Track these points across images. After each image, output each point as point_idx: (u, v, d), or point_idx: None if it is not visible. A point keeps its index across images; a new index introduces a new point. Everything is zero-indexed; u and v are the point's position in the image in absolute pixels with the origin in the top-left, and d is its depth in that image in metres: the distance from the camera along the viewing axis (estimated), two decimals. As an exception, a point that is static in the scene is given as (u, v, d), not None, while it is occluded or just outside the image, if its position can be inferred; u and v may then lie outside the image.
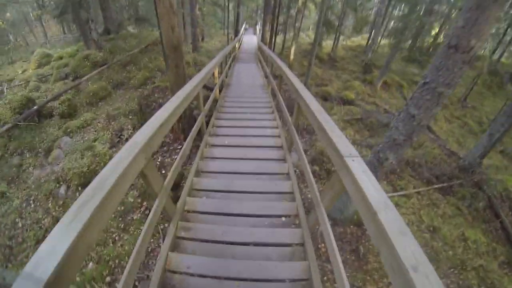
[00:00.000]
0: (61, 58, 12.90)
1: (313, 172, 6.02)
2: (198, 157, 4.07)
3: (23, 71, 14.38)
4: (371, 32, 20.22)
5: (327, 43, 21.90)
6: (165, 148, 5.70)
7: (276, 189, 3.60)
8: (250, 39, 22.46)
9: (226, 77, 9.03)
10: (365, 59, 15.02)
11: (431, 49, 20.96)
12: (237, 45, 14.79)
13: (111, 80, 9.41)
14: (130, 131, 6.74)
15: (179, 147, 5.63)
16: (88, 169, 5.25)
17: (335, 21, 17.04)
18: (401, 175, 7.28)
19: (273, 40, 17.86)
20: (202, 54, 17.26)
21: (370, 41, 15.06)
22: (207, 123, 5.29)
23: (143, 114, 6.68)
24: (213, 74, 6.76)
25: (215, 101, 6.63)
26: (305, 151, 7.07)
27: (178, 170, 2.96)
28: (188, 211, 3.25)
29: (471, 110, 14.44)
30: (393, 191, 6.64)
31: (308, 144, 7.51)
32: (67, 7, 12.09)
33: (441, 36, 19.43)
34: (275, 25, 17.44)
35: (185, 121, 5.40)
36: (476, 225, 6.23)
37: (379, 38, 15.21)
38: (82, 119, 7.67)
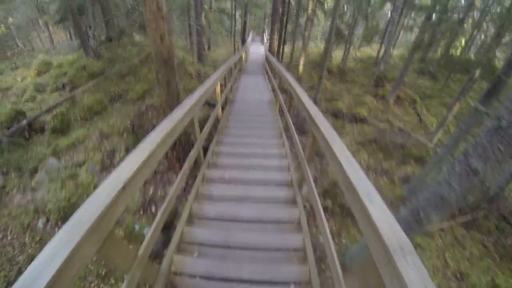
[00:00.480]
0: (60, 66, 12.41)
1: (325, 208, 5.33)
2: (192, 197, 3.43)
3: (22, 79, 13.93)
4: (382, 42, 19.59)
5: (336, 54, 21.28)
6: (158, 177, 5.06)
7: (284, 244, 2.94)
8: (257, 49, 21.93)
9: (231, 91, 8.45)
10: (377, 72, 14.33)
11: (442, 61, 20.26)
12: (243, 55, 14.23)
13: (108, 92, 8.85)
14: (122, 153, 6.12)
15: (174, 176, 4.99)
16: (68, 203, 4.60)
17: (345, 31, 16.43)
18: (421, 207, 6.55)
19: (281, 49, 17.29)
20: (208, 64, 16.72)
21: (383, 52, 14.34)
22: (206, 149, 4.68)
23: (135, 136, 6.06)
24: (215, 90, 6.12)
25: (217, 120, 6.04)
26: (315, 180, 6.39)
27: (166, 216, 2.40)
28: (175, 273, 2.61)
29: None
30: (414, 227, 5.93)
31: (318, 169, 6.82)
32: (66, 13, 11.67)
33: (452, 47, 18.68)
34: (283, 34, 16.88)
35: (180, 148, 4.75)
36: (505, 266, 5.51)
37: (392, 49, 14.49)
38: (73, 136, 7.09)
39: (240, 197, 3.58)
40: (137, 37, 17.65)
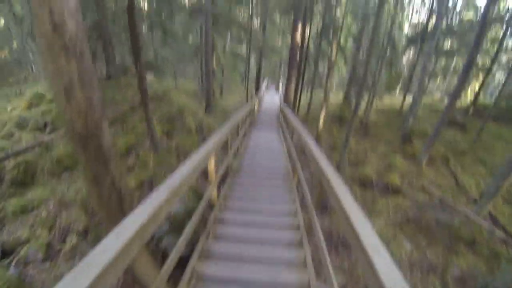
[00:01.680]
0: (52, 101, 11.17)
1: None
2: None
3: (12, 110, 12.71)
4: (406, 92, 18.06)
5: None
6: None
7: None
8: (271, 98, 20.59)
9: (236, 155, 6.77)
10: (404, 126, 12.68)
11: (471, 111, 18.39)
12: (256, 105, 12.83)
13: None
14: (75, 239, 4.41)
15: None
16: None
17: (368, 79, 15.02)
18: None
19: (298, 100, 15.97)
20: (216, 112, 15.33)
21: (411, 103, 12.69)
22: (188, 258, 2.92)
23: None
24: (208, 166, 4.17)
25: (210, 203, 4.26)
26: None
27: None
28: None
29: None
30: None
31: (346, 268, 4.96)
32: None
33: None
34: (300, 82, 15.64)
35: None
36: None
37: (422, 98, 12.84)
38: (29, 197, 5.45)
39: None
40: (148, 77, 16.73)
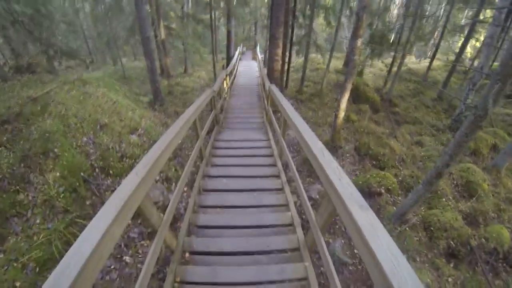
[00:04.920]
0: None
1: None
2: None
3: None
4: (435, 51, 13.19)
5: (366, 72, 14.99)
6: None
7: None
8: (249, 68, 15.52)
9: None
10: (460, 107, 8.31)
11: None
12: (226, 84, 8.25)
13: None
14: None
15: None
16: None
17: (388, 35, 10.15)
18: None
19: (286, 71, 11.25)
20: (175, 99, 10.65)
21: (473, 74, 8.02)
22: None
23: None
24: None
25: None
26: None
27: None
28: None
29: None
30: None
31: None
32: None
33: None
34: (288, 46, 10.83)
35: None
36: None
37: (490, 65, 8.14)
38: None
39: None
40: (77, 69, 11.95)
